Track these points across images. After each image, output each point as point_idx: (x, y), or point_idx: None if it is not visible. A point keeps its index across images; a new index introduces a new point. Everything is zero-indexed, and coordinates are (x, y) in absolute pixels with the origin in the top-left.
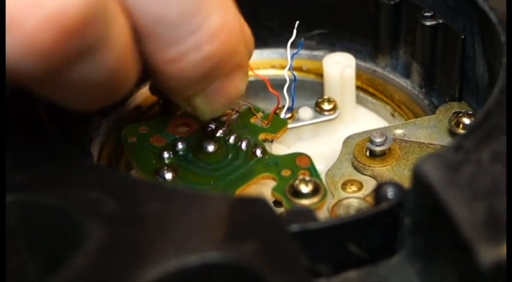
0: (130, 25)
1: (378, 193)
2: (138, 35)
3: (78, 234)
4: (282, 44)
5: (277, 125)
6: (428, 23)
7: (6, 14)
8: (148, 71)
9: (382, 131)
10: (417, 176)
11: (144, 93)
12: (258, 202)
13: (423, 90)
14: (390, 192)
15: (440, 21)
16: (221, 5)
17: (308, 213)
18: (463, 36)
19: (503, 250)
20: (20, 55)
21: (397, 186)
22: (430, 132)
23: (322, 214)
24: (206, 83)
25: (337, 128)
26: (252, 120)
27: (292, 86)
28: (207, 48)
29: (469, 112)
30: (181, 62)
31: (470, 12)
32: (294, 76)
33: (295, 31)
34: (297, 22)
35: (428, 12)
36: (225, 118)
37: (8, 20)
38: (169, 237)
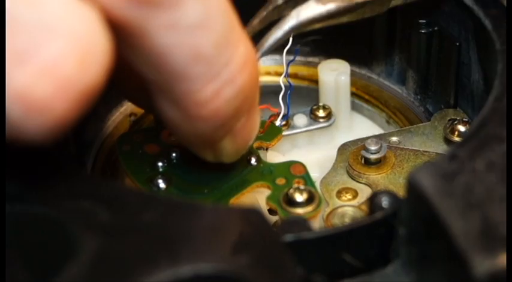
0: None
1: (372, 202)
2: (166, 85)
3: (70, 245)
4: (277, 51)
5: (272, 133)
6: (423, 30)
7: (32, 100)
8: (168, 124)
9: (377, 139)
10: (411, 186)
11: None
12: (252, 212)
13: (418, 97)
14: (385, 202)
15: (436, 28)
16: (242, 34)
17: (302, 223)
18: (458, 43)
19: (498, 261)
20: (45, 133)
21: (392, 196)
22: (425, 140)
23: (317, 223)
24: (235, 121)
25: (332, 135)
26: None
27: (288, 94)
28: (239, 80)
29: (464, 119)
30: (217, 100)
31: (465, 19)
32: (290, 84)
33: (291, 38)
34: None
35: (424, 19)
36: None
37: (37, 106)
38: (162, 248)
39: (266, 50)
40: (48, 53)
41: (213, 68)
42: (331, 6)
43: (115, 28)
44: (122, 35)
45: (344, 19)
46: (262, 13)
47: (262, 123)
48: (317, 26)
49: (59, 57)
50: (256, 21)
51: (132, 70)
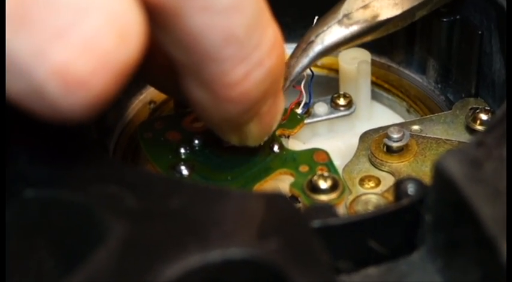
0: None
1: (398, 189)
2: (197, 67)
3: (98, 231)
4: (296, 39)
5: (294, 121)
6: (445, 19)
7: (71, 76)
8: (195, 107)
9: (399, 127)
10: (439, 172)
11: None
12: (279, 198)
13: (439, 86)
14: (411, 188)
15: (457, 17)
16: (270, 17)
17: (329, 209)
18: (480, 32)
19: None
20: (83, 110)
21: (418, 182)
22: (447, 128)
23: (341, 210)
24: (262, 104)
25: (352, 123)
26: None
27: (310, 83)
28: (268, 62)
29: (486, 108)
30: (246, 82)
31: (487, 8)
32: (312, 72)
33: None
34: (316, 17)
35: (445, 8)
36: None
37: (76, 82)
38: (190, 233)
39: (294, 78)
40: (88, 29)
41: (243, 50)
42: (354, 28)
43: (149, 8)
44: (156, 16)
45: (368, 38)
46: (298, 53)
47: (285, 111)
48: (342, 48)
49: (98, 33)
50: (298, 65)
51: (161, 53)
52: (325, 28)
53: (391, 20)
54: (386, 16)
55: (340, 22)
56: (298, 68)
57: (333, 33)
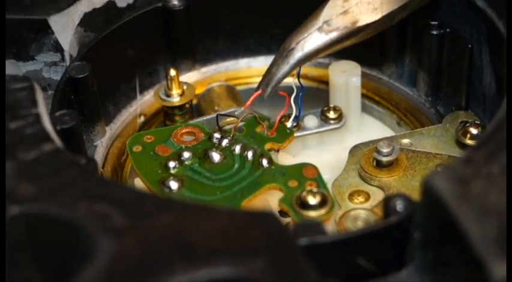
0: None
1: (386, 206)
2: None
3: (86, 247)
4: None
5: (283, 135)
6: (435, 32)
7: None
8: None
9: (389, 141)
10: (427, 190)
11: (148, 100)
12: (267, 216)
13: (429, 98)
14: (399, 205)
15: (448, 29)
16: None
17: (317, 227)
18: (470, 45)
19: None
20: None
21: (406, 199)
22: (437, 142)
23: (330, 226)
24: None
25: (342, 136)
26: (258, 129)
27: (300, 96)
28: None
29: (476, 122)
30: None
31: (477, 21)
32: (302, 85)
33: None
34: None
35: (435, 20)
36: (230, 126)
37: None
38: (177, 251)
39: (275, 85)
40: None
41: None
42: (334, 35)
43: None
44: None
45: (347, 43)
46: (279, 60)
47: (273, 124)
48: (322, 54)
49: None
50: (279, 72)
51: None
52: (305, 35)
53: (371, 25)
54: (366, 21)
55: (320, 29)
56: (279, 75)
57: (313, 40)
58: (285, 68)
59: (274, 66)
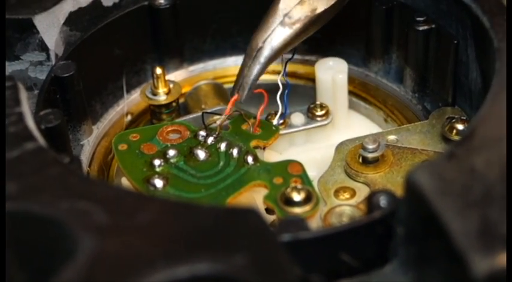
0: None
1: (370, 202)
2: None
3: (68, 245)
4: None
5: (269, 132)
6: (420, 28)
7: None
8: None
9: (374, 137)
10: (409, 185)
11: (135, 99)
12: (249, 212)
13: (416, 95)
14: (383, 201)
15: (433, 25)
16: None
17: (300, 223)
18: (456, 41)
19: (497, 260)
20: None
21: (390, 195)
22: (423, 138)
23: (315, 222)
24: None
25: (329, 133)
26: (244, 126)
27: (286, 93)
28: None
29: (462, 118)
30: None
31: (463, 17)
32: (288, 82)
33: None
34: None
35: (421, 16)
36: (216, 125)
37: None
38: (159, 248)
39: (251, 86)
40: None
41: None
42: (297, 26)
43: None
44: None
45: (311, 31)
46: (248, 62)
47: (259, 122)
48: (290, 48)
49: None
50: (252, 73)
51: None
52: (269, 32)
53: (328, 10)
54: (324, 7)
55: (282, 23)
56: (252, 76)
57: (278, 35)
58: (256, 68)
59: (245, 68)
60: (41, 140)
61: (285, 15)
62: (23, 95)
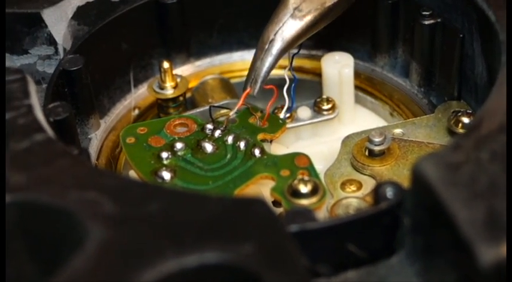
0: None
1: (377, 193)
2: None
3: (77, 235)
4: None
5: (276, 125)
6: (426, 22)
7: None
8: None
9: (381, 131)
10: (416, 176)
11: (142, 93)
12: (257, 203)
13: (422, 89)
14: (389, 192)
15: (439, 19)
16: None
17: (307, 214)
18: (461, 35)
19: (503, 250)
20: None
21: (396, 186)
22: (429, 132)
23: (321, 214)
24: None
25: (336, 127)
26: (251, 120)
27: (292, 87)
28: None
29: (468, 111)
30: None
31: (468, 11)
32: (294, 76)
33: None
34: None
35: (427, 11)
36: (223, 118)
37: None
38: (167, 238)
39: (263, 80)
40: None
41: None
42: (308, 18)
43: None
44: None
45: (322, 24)
46: (261, 55)
47: (264, 114)
48: (301, 41)
49: None
50: (264, 66)
51: None
52: (280, 25)
53: (338, 4)
54: (333, 1)
55: (293, 16)
56: (265, 69)
57: (289, 27)
58: (268, 60)
59: (257, 61)
60: (50, 132)
61: (295, 8)
62: (32, 87)
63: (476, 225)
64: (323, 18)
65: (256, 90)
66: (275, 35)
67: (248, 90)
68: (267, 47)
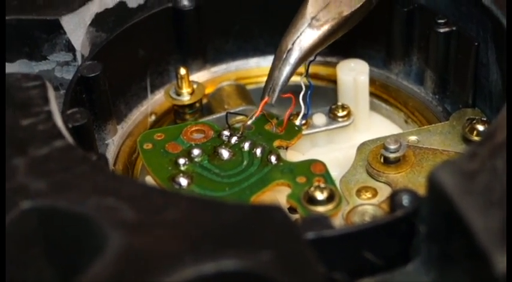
0: None
1: (393, 200)
2: None
3: (96, 241)
4: None
5: (292, 132)
6: (441, 30)
7: None
8: None
9: (396, 138)
10: (432, 184)
11: (158, 99)
12: (274, 210)
13: (436, 96)
14: (405, 200)
15: (454, 28)
16: None
17: (324, 221)
18: (476, 43)
19: None
20: None
21: (412, 194)
22: (444, 139)
23: (337, 221)
24: None
25: (351, 134)
26: (267, 127)
27: (308, 94)
28: None
29: (482, 119)
30: None
31: (483, 19)
32: (310, 83)
33: None
34: None
35: (442, 19)
36: (239, 125)
37: None
38: (186, 245)
39: (281, 89)
40: None
41: None
42: (325, 28)
43: None
44: None
45: (339, 34)
46: (279, 64)
47: (281, 121)
48: (318, 50)
49: None
50: (282, 75)
51: None
52: (298, 34)
53: (356, 12)
54: (350, 10)
55: (310, 25)
56: (283, 78)
57: (307, 37)
58: (286, 69)
59: (275, 70)
60: (69, 138)
61: (313, 18)
62: (51, 93)
63: (492, 234)
64: (340, 27)
65: (274, 99)
66: (293, 44)
67: (266, 99)
68: (284, 56)
